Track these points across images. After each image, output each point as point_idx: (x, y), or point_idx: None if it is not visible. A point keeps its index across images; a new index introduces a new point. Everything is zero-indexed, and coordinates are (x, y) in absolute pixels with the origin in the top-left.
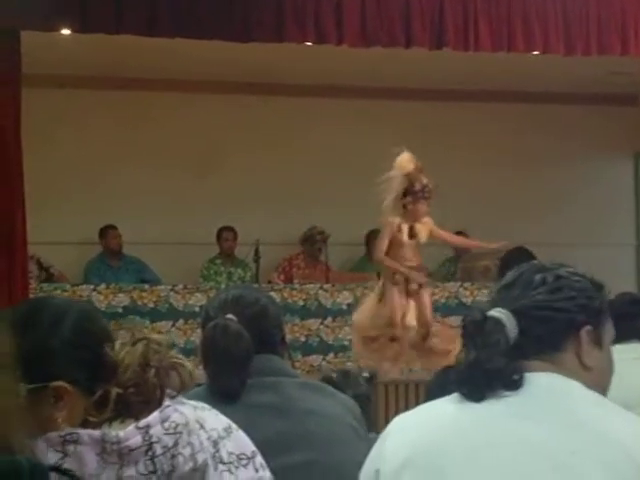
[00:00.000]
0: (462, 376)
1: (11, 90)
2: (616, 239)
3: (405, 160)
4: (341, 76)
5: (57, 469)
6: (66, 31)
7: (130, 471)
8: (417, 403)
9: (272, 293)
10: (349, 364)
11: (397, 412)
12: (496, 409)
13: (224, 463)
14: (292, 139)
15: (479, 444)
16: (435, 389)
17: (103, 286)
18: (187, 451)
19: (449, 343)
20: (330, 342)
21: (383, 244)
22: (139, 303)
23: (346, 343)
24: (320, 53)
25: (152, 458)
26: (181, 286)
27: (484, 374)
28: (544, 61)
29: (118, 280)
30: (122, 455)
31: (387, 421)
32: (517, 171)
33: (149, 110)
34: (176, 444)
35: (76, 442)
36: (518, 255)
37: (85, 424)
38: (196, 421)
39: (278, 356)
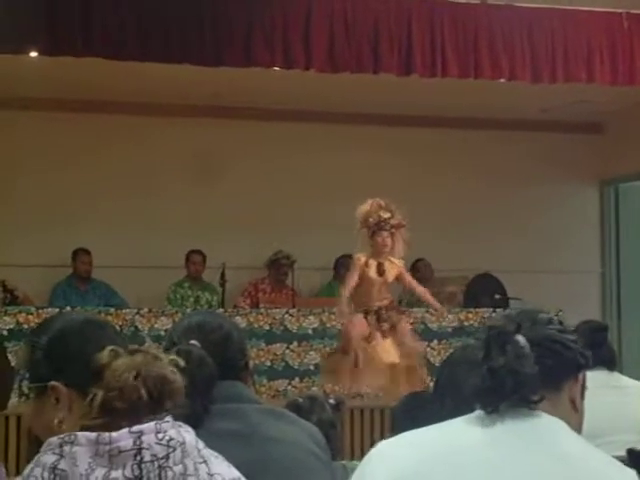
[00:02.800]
0: (487, 382)
1: None
2: (581, 266)
3: (362, 206)
4: (308, 101)
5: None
6: (34, 54)
7: (116, 474)
8: (382, 429)
9: (238, 317)
10: (314, 389)
11: (362, 438)
12: (485, 437)
13: None
14: (259, 164)
15: (464, 473)
16: (401, 414)
17: (69, 309)
18: (179, 469)
19: None
20: (296, 367)
21: (350, 280)
22: None
23: (312, 368)
24: (286, 77)
25: (140, 463)
26: (146, 309)
27: (514, 378)
28: (511, 88)
29: (85, 304)
30: (112, 457)
31: (352, 447)
32: (482, 197)
33: (119, 133)
34: (167, 457)
35: (72, 443)
36: (484, 281)
37: (86, 429)
38: (199, 455)
39: (241, 382)
